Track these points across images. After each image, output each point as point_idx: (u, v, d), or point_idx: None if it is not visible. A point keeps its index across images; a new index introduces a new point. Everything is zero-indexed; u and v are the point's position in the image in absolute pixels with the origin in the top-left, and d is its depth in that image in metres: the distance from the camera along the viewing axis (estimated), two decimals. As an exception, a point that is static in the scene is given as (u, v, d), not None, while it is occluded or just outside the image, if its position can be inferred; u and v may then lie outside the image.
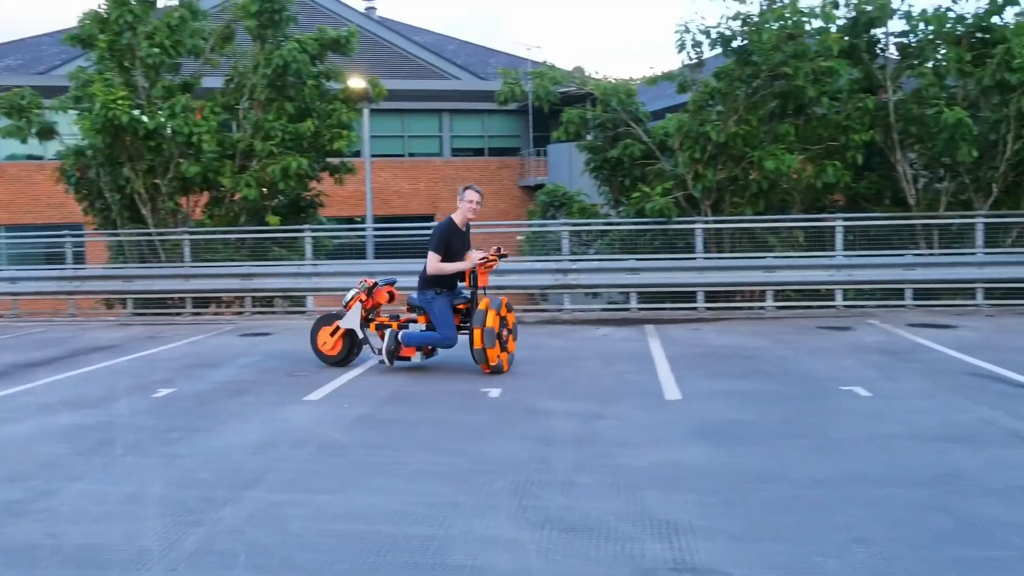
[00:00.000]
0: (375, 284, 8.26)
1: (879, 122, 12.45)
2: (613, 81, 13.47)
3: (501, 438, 5.51)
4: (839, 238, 12.10)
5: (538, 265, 12.60)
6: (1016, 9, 12.42)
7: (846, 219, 12.30)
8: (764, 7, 12.23)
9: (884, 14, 12.44)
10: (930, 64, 12.59)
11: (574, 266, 12.30)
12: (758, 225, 12.32)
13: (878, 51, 13.08)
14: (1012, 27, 12.39)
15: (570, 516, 4.04)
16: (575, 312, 12.32)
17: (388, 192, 27.35)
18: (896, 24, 12.70)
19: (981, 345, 8.78)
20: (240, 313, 13.24)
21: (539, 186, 21.55)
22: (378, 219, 17.29)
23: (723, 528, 3.84)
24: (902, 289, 12.09)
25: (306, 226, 13.75)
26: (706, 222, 12.39)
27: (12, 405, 6.92)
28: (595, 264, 12.57)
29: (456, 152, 29.74)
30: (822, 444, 5.23)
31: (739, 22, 12.20)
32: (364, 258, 13.79)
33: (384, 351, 7.86)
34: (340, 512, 4.17)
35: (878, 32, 12.87)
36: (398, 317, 8.27)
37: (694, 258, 12.19)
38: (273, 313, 13.40)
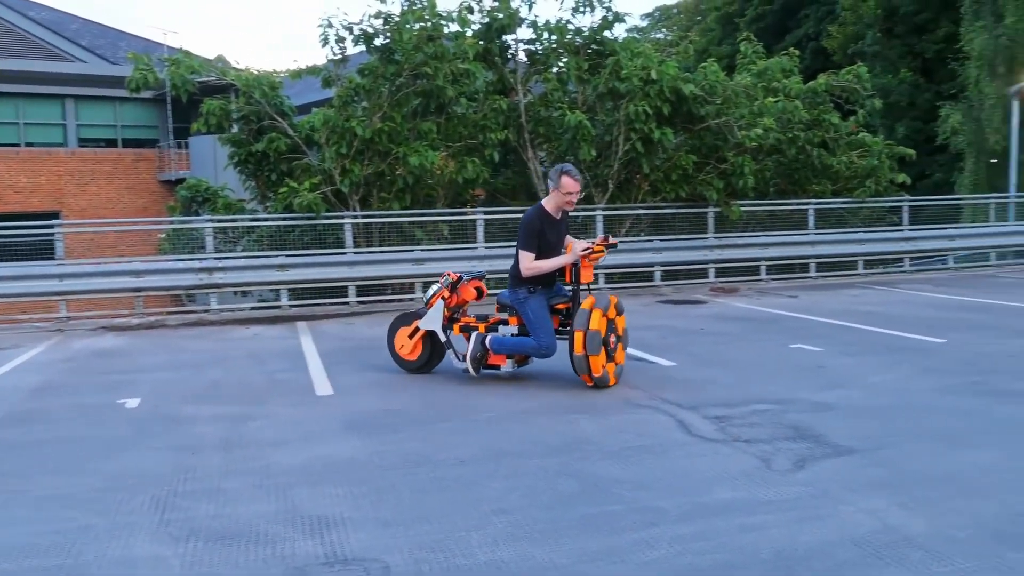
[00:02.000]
0: (459, 278, 6.97)
1: (512, 122, 13.39)
2: (256, 73, 13.05)
3: (140, 451, 5.13)
4: (480, 231, 12.82)
5: (180, 264, 11.88)
6: (625, 25, 14.04)
7: (486, 213, 13.07)
8: (405, 7, 12.57)
9: (513, 22, 13.38)
10: (554, 70, 13.79)
11: (220, 264, 11.76)
12: (405, 219, 12.67)
13: (509, 56, 14.05)
14: (621, 42, 14.00)
15: (217, 524, 3.88)
16: (223, 312, 11.80)
17: (1, 186, 24.19)
18: (525, 32, 13.76)
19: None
20: None
21: (180, 180, 20.32)
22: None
23: (374, 516, 3.92)
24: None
25: None
26: (355, 217, 12.49)
27: None
28: (243, 262, 12.11)
29: (84, 143, 27.09)
30: (466, 425, 5.53)
31: (381, 21, 12.43)
32: None
33: (469, 358, 6.63)
34: (-58, 553, 3.63)
35: (509, 38, 13.82)
36: (487, 318, 6.91)
37: (344, 253, 12.23)
38: None
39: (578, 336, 6.14)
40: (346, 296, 12.18)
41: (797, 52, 16.25)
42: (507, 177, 14.14)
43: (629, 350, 7.03)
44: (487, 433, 5.31)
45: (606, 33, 13.99)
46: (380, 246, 12.60)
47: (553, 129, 13.26)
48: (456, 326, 6.94)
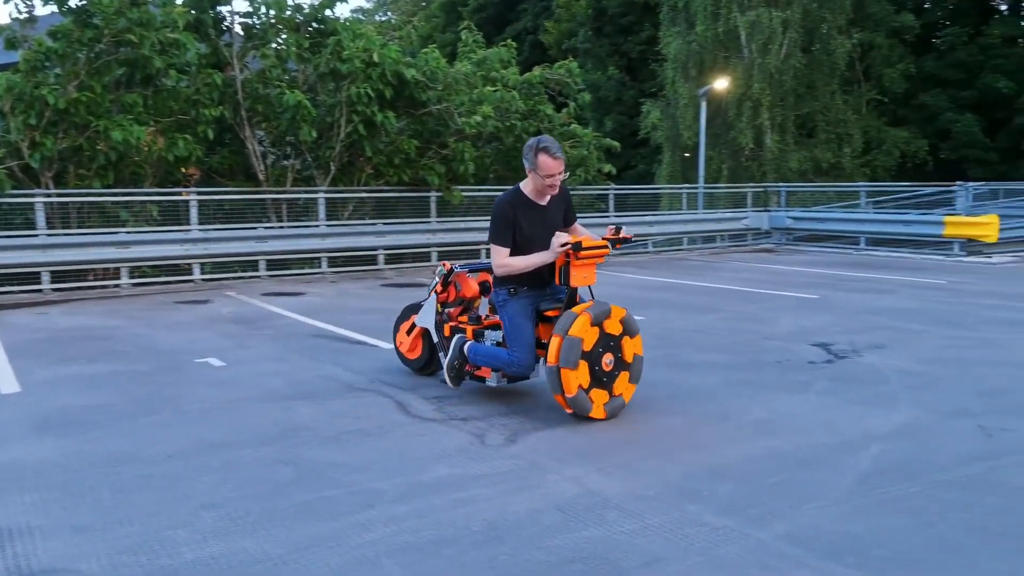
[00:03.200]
0: (451, 269, 5.87)
1: (228, 99, 12.79)
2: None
3: None
4: (194, 212, 12.15)
5: None
6: (348, 6, 13.87)
7: (200, 193, 12.40)
8: (103, -34, 11.56)
9: (227, -8, 12.77)
10: (273, 47, 13.33)
11: None
12: (108, 199, 11.71)
13: (224, 28, 13.40)
14: (343, 22, 13.81)
15: None
16: None
17: None
18: (241, 4, 13.24)
19: (324, 308, 9.72)
20: None
21: None
22: None
23: (68, 523, 3.61)
24: (257, 260, 12.68)
25: None
26: (48, 195, 11.34)
27: None
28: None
29: None
30: (175, 418, 5.24)
31: (76, -21, 11.36)
32: None
33: (446, 367, 5.56)
34: None
35: (224, 10, 13.19)
36: (480, 319, 5.78)
37: (36, 235, 11.08)
38: None
39: (554, 342, 4.91)
40: (39, 283, 11.04)
41: (515, 44, 16.95)
42: (223, 156, 13.49)
43: (349, 333, 6.99)
44: (198, 425, 5.07)
45: (328, 12, 13.76)
46: (79, 228, 11.54)
47: (272, 108, 12.85)
48: (447, 326, 5.80)
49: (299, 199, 13.38)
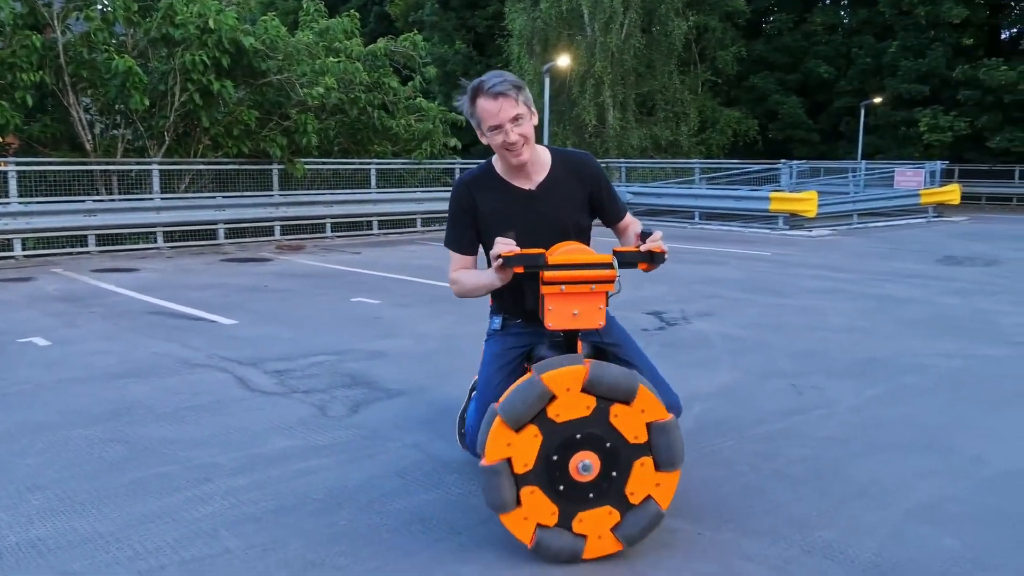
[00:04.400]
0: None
1: (49, 63, 12.01)
2: None
3: None
4: (13, 184, 11.38)
5: None
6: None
7: (20, 163, 11.62)
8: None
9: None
10: (98, 8, 12.59)
11: None
12: (-87, 169, 10.80)
13: (43, -13, 12.53)
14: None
15: None
16: None
17: None
18: (61, -38, 12.34)
19: (160, 285, 9.36)
20: None
21: None
22: None
23: None
24: (86, 235, 12.03)
25: None
26: None
27: None
28: None
29: None
30: (-4, 400, 4.97)
31: None
32: None
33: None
34: None
35: (41, -33, 12.31)
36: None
37: None
38: None
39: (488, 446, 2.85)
40: None
41: (359, 15, 16.70)
42: (45, 124, 12.66)
43: (187, 309, 6.77)
44: (21, 407, 4.82)
45: (158, -26, 13.10)
46: None
47: (99, 73, 12.16)
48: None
49: (131, 171, 12.76)
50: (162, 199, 12.68)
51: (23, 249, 11.50)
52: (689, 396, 5.04)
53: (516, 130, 3.01)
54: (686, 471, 3.83)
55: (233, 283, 9.64)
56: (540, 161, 3.23)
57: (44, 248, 11.89)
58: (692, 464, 3.91)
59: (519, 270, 2.86)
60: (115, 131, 13.32)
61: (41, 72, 11.74)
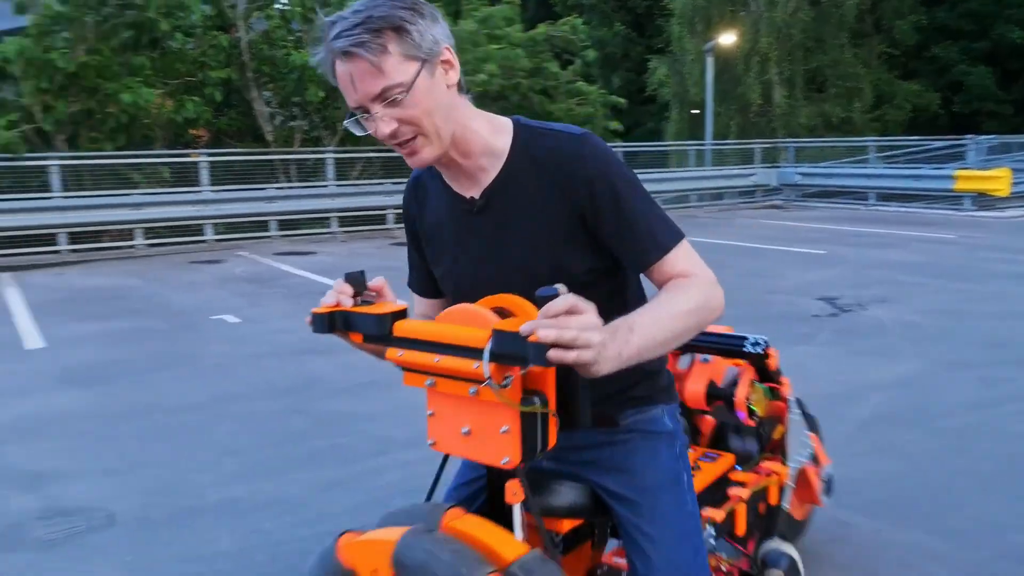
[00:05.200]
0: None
1: (234, 61, 12.83)
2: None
3: None
4: (204, 173, 12.25)
5: None
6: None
7: (210, 155, 12.49)
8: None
9: (232, -47, 12.75)
10: (277, 7, 13.33)
11: None
12: (121, 161, 11.81)
13: (229, -11, 13.39)
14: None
15: (-91, 491, 3.56)
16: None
17: None
18: (245, -35, 13.14)
19: (335, 267, 9.86)
20: None
21: None
22: None
23: (94, 467, 3.78)
24: (267, 221, 12.80)
25: None
26: (62, 158, 11.45)
27: None
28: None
29: None
30: (194, 372, 5.40)
31: (81, -58, 11.35)
32: None
33: None
34: None
35: (228, -30, 13.16)
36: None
37: (52, 197, 11.20)
38: None
39: None
40: (56, 244, 11.20)
41: (519, 1, 16.85)
42: (232, 118, 13.57)
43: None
44: (215, 379, 5.22)
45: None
46: (94, 190, 11.67)
47: (278, 69, 12.88)
48: None
49: (307, 160, 13.46)
50: (336, 186, 13.31)
51: (213, 234, 12.38)
52: (865, 386, 4.84)
53: (390, 114, 1.47)
54: (861, 463, 3.67)
55: (403, 266, 10.00)
56: (491, 150, 1.63)
57: (231, 233, 12.75)
58: (868, 457, 3.76)
59: (356, 339, 1.56)
60: (292, 123, 14.09)
61: (228, 69, 12.58)
